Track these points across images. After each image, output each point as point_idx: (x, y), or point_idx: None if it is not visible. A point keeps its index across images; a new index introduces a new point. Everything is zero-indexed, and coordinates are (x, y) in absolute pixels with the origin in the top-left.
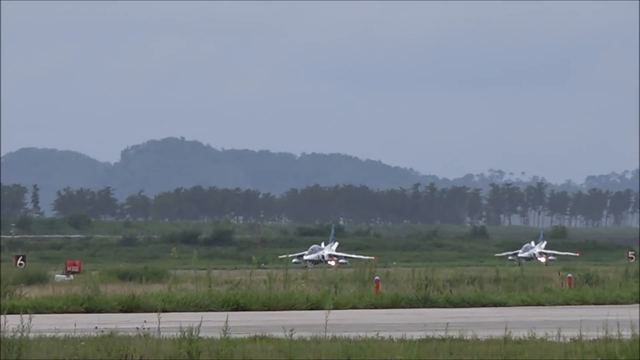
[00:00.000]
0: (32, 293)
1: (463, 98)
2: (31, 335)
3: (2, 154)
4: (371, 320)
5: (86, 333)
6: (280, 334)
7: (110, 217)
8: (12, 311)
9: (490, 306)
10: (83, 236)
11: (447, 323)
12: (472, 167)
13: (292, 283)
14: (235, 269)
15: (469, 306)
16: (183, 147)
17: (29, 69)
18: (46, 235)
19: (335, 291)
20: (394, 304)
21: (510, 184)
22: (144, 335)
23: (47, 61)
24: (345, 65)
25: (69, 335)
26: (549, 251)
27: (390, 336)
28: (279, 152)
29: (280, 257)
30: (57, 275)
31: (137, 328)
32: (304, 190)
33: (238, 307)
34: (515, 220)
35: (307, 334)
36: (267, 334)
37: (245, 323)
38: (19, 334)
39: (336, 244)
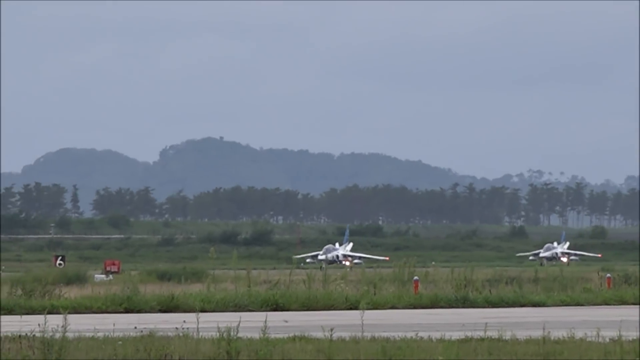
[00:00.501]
0: (72, 293)
1: (502, 98)
2: (70, 335)
3: (42, 154)
4: (410, 320)
5: (125, 333)
6: (319, 334)
7: (149, 217)
8: (51, 311)
9: (529, 306)
10: (122, 236)
11: (486, 323)
12: (510, 167)
13: (331, 283)
14: (274, 269)
15: (508, 306)
16: (222, 146)
17: (69, 69)
18: (85, 236)
19: (374, 291)
20: (433, 304)
21: (549, 184)
22: (183, 336)
23: (87, 61)
24: (385, 65)
25: (108, 335)
26: (571, 251)
27: (429, 336)
28: (318, 152)
29: (294, 257)
30: (97, 275)
31: (176, 328)
32: (343, 190)
33: (277, 307)
34: (554, 220)
35: (346, 334)
36: (306, 334)
37: (284, 323)
38: (59, 334)
39: (351, 244)
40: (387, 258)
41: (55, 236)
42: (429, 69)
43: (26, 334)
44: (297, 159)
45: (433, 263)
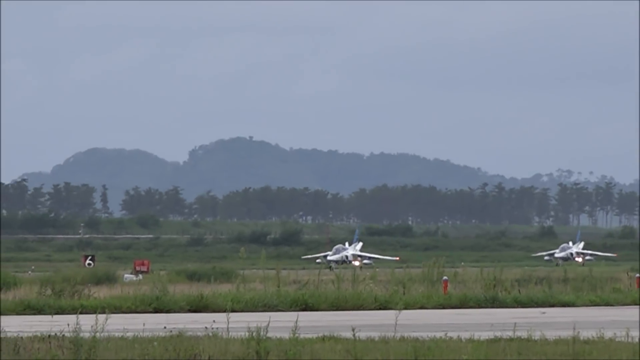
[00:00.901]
0: (101, 293)
1: (531, 98)
2: (100, 335)
3: (71, 154)
4: (439, 320)
5: (155, 333)
6: (349, 334)
7: (178, 217)
8: (81, 311)
9: (559, 306)
10: (151, 236)
11: (515, 323)
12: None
13: (360, 283)
14: (304, 269)
15: (537, 306)
16: (251, 146)
17: (99, 69)
18: (115, 235)
19: (404, 291)
20: (462, 304)
21: (578, 184)
22: (213, 335)
23: (117, 61)
24: (415, 65)
25: (137, 335)
26: (586, 251)
27: (458, 336)
28: (347, 152)
29: (303, 257)
30: (126, 275)
31: (206, 328)
32: (372, 190)
33: (306, 307)
34: (584, 220)
35: (375, 334)
36: (335, 334)
37: (314, 323)
38: (89, 334)
39: (360, 244)
40: (398, 258)
41: (84, 236)
42: (458, 69)
43: (55, 334)
44: (326, 159)
45: (462, 263)
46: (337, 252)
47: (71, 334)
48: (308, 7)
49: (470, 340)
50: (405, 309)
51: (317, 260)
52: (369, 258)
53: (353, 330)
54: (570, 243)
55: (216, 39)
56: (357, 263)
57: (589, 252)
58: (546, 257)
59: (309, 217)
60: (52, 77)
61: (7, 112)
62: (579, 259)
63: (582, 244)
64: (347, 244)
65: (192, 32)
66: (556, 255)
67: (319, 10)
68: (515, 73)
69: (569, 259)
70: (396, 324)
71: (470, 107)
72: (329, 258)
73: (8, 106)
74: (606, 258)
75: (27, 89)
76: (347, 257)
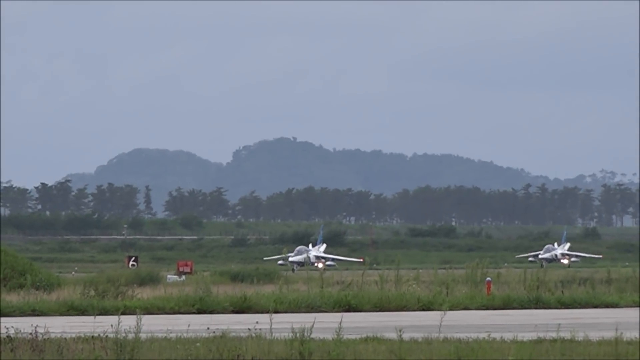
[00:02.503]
0: (145, 294)
1: (575, 98)
2: (143, 335)
3: (115, 155)
4: (483, 321)
5: (198, 334)
6: (392, 335)
7: (221, 218)
8: (124, 312)
9: (602, 307)
10: (195, 237)
11: (559, 324)
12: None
13: (403, 284)
14: (347, 269)
15: (581, 307)
16: (295, 147)
17: (144, 70)
18: (158, 237)
19: (447, 292)
20: (506, 305)
21: (622, 185)
22: (256, 336)
23: (160, 62)
24: (458, 65)
25: (181, 336)
26: (572, 252)
27: (501, 337)
28: (390, 153)
29: (265, 258)
30: (169, 276)
31: (249, 329)
32: (415, 191)
33: (350, 308)
34: (628, 221)
35: (418, 335)
36: (378, 335)
37: (357, 324)
38: (132, 335)
39: (324, 245)
40: (362, 259)
41: (128, 237)
42: (502, 70)
43: (99, 335)
44: (369, 160)
45: (505, 264)
46: (300, 253)
47: (114, 334)
48: (354, 8)
49: (514, 341)
50: (449, 309)
51: (279, 262)
52: (333, 260)
53: (400, 331)
54: (555, 244)
55: (262, 40)
56: (320, 265)
57: (575, 253)
58: (530, 259)
59: (352, 218)
60: (98, 78)
61: (52, 113)
62: (565, 261)
63: (567, 245)
64: (310, 245)
65: (239, 32)
66: (540, 256)
67: (364, 11)
68: (559, 73)
69: (554, 260)
70: (440, 324)
71: (515, 107)
72: (290, 259)
73: (53, 107)
74: (592, 259)
75: (73, 89)
76: (309, 258)
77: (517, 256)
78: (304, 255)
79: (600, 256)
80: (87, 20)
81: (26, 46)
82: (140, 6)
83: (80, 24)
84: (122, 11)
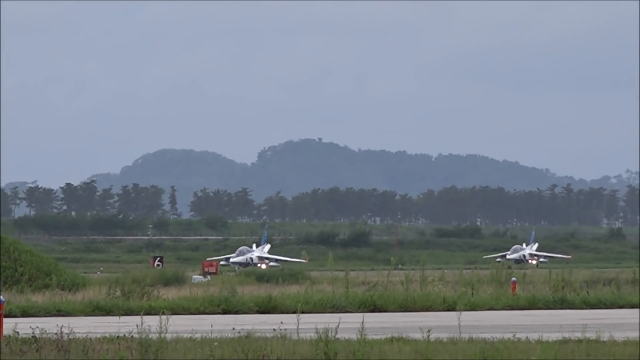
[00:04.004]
0: (170, 294)
1: (601, 99)
2: (168, 336)
3: (140, 155)
4: (508, 321)
5: (223, 334)
6: (417, 335)
7: (247, 218)
8: (150, 312)
9: (628, 307)
10: (220, 237)
11: (584, 324)
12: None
13: (428, 284)
14: (372, 270)
15: (606, 308)
16: (320, 148)
17: (169, 70)
18: (183, 237)
19: (472, 292)
20: (531, 305)
21: None
22: (281, 337)
23: (187, 62)
24: (483, 66)
25: (205, 336)
26: (540, 253)
27: (526, 337)
28: (415, 153)
29: (208, 259)
30: (195, 277)
31: (274, 329)
32: (440, 192)
33: (375, 309)
34: None
35: (443, 335)
36: (403, 335)
37: (382, 324)
38: (157, 335)
39: (268, 246)
40: (307, 260)
41: (153, 237)
42: (527, 69)
43: (124, 335)
44: (394, 160)
45: (533, 263)
46: (242, 254)
47: (139, 335)
48: (381, 8)
49: (539, 342)
50: (474, 310)
51: (222, 263)
52: (276, 260)
53: (428, 331)
54: (524, 244)
55: (289, 40)
56: (263, 266)
57: (543, 253)
58: (498, 259)
59: (377, 218)
60: (124, 79)
61: (78, 114)
62: (533, 261)
63: (535, 246)
64: (254, 245)
65: (265, 33)
66: (508, 257)
67: (392, 12)
68: (585, 74)
69: (522, 261)
70: (460, 325)
71: (540, 108)
72: (231, 260)
73: (79, 108)
74: (560, 260)
75: (99, 90)
76: (252, 259)
77: (485, 257)
78: (246, 256)
79: (570, 257)
80: (113, 21)
81: (52, 47)
82: (167, 7)
83: (107, 25)
84: (149, 12)
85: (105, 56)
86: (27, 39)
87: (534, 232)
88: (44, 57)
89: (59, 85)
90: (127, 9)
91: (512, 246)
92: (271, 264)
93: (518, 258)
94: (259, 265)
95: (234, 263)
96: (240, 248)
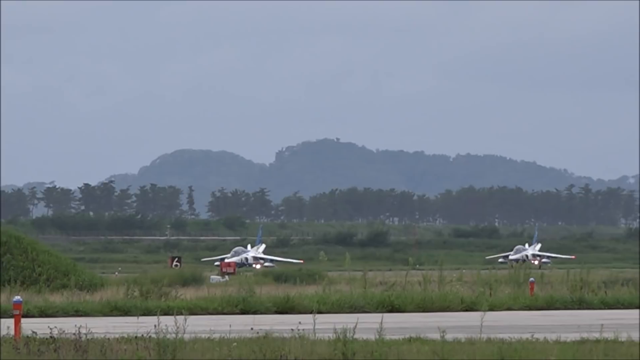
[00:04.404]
0: (188, 294)
1: (619, 99)
2: (186, 336)
3: (158, 155)
4: (526, 321)
5: (241, 334)
6: (435, 336)
7: (265, 218)
8: (167, 312)
9: None
10: (238, 237)
11: (602, 325)
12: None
13: (446, 284)
14: (390, 270)
15: (624, 308)
16: (338, 148)
17: (188, 71)
18: (201, 237)
19: (490, 292)
20: (549, 305)
21: None
22: (299, 337)
23: (205, 62)
24: (501, 66)
25: (223, 337)
26: (543, 253)
27: (545, 338)
28: (433, 154)
29: (202, 259)
30: (213, 277)
31: (292, 329)
32: (458, 192)
33: (393, 309)
34: None
35: (461, 336)
36: (421, 335)
37: (400, 324)
38: (174, 335)
39: (263, 245)
40: (302, 261)
41: (171, 237)
42: (545, 70)
43: (142, 335)
44: (412, 160)
45: (549, 264)
46: (237, 254)
47: (157, 335)
48: (400, 8)
49: (557, 342)
50: (492, 310)
51: (216, 264)
52: (271, 260)
53: (443, 331)
54: (526, 245)
55: (307, 40)
56: (258, 266)
57: (546, 254)
58: (500, 260)
59: (395, 219)
60: (142, 79)
61: (96, 114)
62: (535, 262)
63: (538, 246)
64: (249, 246)
65: (284, 33)
66: (511, 257)
67: (409, 10)
68: (603, 73)
69: (524, 261)
70: (481, 325)
71: (558, 108)
72: (227, 261)
73: (97, 108)
74: (564, 261)
75: (117, 90)
76: (247, 259)
77: (487, 257)
78: (241, 256)
79: (573, 257)
80: (132, 21)
81: (71, 47)
82: (187, 7)
83: (126, 25)
84: (169, 12)
85: (124, 56)
86: (45, 39)
87: (536, 232)
88: (62, 58)
89: (78, 85)
90: (146, 9)
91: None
92: (266, 264)
93: (520, 258)
94: (254, 265)
95: None
96: (235, 248)
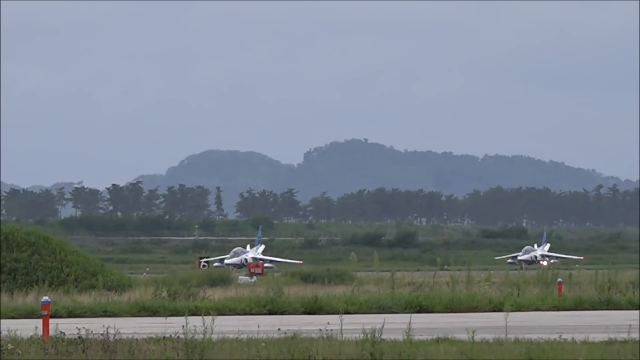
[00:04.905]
0: (216, 295)
1: None
2: (214, 336)
3: (186, 156)
4: (554, 322)
5: (269, 335)
6: (463, 336)
7: (293, 219)
8: (195, 312)
9: None
10: (266, 238)
11: (630, 325)
12: None
13: (474, 285)
14: (418, 270)
15: None
16: (366, 148)
17: (217, 71)
18: (229, 237)
19: (518, 293)
20: (577, 306)
21: None
22: (327, 337)
23: (236, 63)
24: (529, 66)
25: (251, 337)
26: (552, 254)
27: (572, 338)
28: (461, 154)
29: (201, 259)
30: (241, 277)
31: (320, 330)
32: (486, 192)
33: (421, 309)
34: None
35: (489, 336)
36: (449, 336)
37: (428, 325)
38: (202, 336)
39: (262, 246)
40: (302, 262)
41: (199, 238)
42: (574, 70)
43: (170, 336)
44: (440, 161)
45: (577, 265)
46: (236, 255)
47: (185, 335)
48: (429, 8)
49: (585, 342)
50: (519, 310)
51: (215, 264)
52: (271, 261)
53: (473, 332)
54: (535, 245)
55: (336, 41)
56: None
57: (555, 254)
58: (509, 260)
59: (424, 219)
60: (171, 79)
61: (125, 115)
62: (544, 262)
63: (547, 246)
64: (248, 247)
65: (312, 34)
66: (519, 258)
67: (439, 12)
68: (631, 73)
69: (533, 262)
70: (506, 325)
71: (586, 108)
72: (226, 262)
73: (126, 108)
74: (573, 261)
75: (146, 91)
76: (246, 260)
77: (496, 258)
78: (241, 257)
79: (582, 257)
80: (162, 22)
81: (102, 48)
82: (218, 7)
83: (156, 26)
84: (199, 12)
85: (154, 57)
86: (77, 39)
87: (545, 233)
88: (93, 58)
89: (107, 86)
90: (176, 10)
91: (557, 247)
92: (266, 265)
93: (529, 259)
94: None
95: (228, 264)
96: (234, 249)
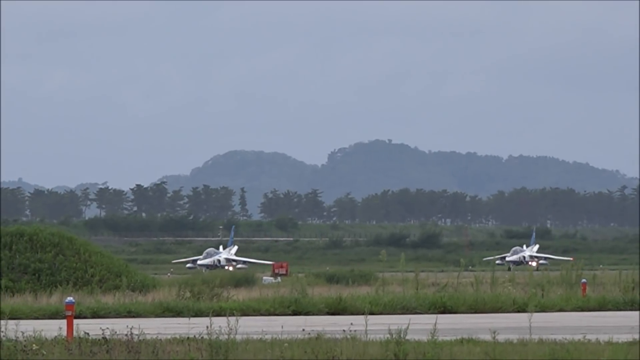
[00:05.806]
0: (240, 295)
1: None
2: (238, 337)
3: (210, 157)
4: (578, 322)
5: (293, 335)
6: (487, 337)
7: (317, 219)
8: (219, 313)
9: None
10: (290, 239)
11: None
12: None
13: (498, 285)
14: (442, 271)
15: None
16: (390, 149)
17: (243, 71)
18: (253, 238)
19: (542, 294)
20: (601, 306)
21: None
22: (351, 338)
23: (259, 64)
24: (554, 67)
25: (276, 338)
26: (540, 254)
27: (597, 339)
28: (485, 155)
29: (173, 261)
30: (265, 278)
31: (344, 330)
32: (511, 193)
33: (445, 310)
34: None
35: (513, 337)
36: (473, 337)
37: (452, 325)
38: (226, 336)
39: (235, 247)
40: (273, 263)
41: (223, 239)
42: (598, 70)
43: (194, 336)
44: (465, 162)
45: (601, 266)
46: (209, 255)
47: (208, 336)
48: (455, 9)
49: (609, 343)
50: (543, 311)
51: (188, 266)
52: (244, 262)
53: (495, 332)
54: (524, 246)
55: (360, 42)
56: (230, 268)
57: (543, 255)
58: (498, 262)
59: (448, 220)
60: (197, 80)
61: (149, 115)
62: (533, 263)
63: (536, 247)
64: (221, 247)
65: (337, 35)
66: (508, 259)
67: (466, 12)
68: None
69: (522, 262)
70: (530, 325)
71: (610, 109)
72: (198, 262)
73: (150, 109)
74: (562, 262)
75: (171, 92)
76: (219, 261)
77: (484, 259)
78: (213, 258)
79: (571, 258)
80: (188, 23)
81: (128, 48)
82: (242, 9)
83: (182, 27)
84: (225, 12)
85: (178, 58)
86: (102, 40)
87: (534, 233)
88: (119, 58)
89: (133, 86)
90: (200, 12)
91: (581, 248)
92: (239, 265)
93: (518, 260)
94: (226, 267)
95: (201, 265)
96: (207, 250)
